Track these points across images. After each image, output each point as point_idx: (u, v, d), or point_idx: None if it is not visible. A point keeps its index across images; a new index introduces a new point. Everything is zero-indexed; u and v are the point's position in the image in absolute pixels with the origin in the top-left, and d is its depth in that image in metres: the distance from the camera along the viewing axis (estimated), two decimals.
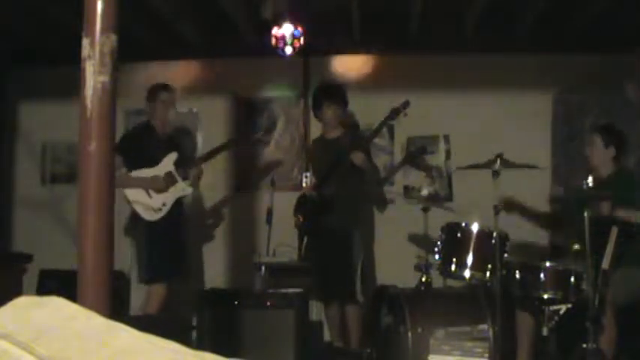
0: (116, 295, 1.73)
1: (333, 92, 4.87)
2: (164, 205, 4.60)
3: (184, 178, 4.74)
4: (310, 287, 4.57)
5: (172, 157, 4.71)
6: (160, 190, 4.61)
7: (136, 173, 4.62)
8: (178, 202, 4.70)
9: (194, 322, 4.21)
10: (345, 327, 4.73)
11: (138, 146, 4.62)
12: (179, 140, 5.08)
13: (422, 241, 4.51)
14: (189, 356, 0.85)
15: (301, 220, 4.84)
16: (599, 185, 3.76)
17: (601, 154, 4.14)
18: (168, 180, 4.65)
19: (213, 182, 5.76)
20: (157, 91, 4.77)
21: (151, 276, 4.54)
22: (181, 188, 4.70)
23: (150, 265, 4.54)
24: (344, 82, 5.15)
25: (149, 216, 4.57)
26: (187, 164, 4.81)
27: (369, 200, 5.33)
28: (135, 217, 4.59)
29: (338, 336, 4.82)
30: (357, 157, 4.64)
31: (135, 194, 4.56)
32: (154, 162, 4.67)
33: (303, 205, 4.88)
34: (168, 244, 4.63)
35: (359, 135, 5.07)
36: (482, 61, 5.54)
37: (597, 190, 3.68)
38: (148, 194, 4.59)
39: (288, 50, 5.38)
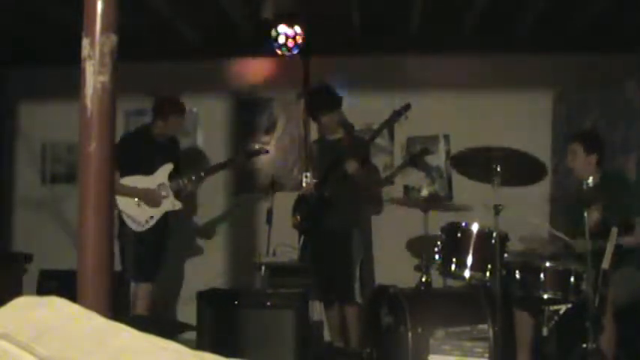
0: (116, 295, 1.72)
1: (326, 99, 4.87)
2: (151, 218, 4.69)
3: (177, 191, 4.75)
4: (310, 287, 4.57)
5: (168, 168, 4.75)
6: (150, 204, 4.67)
7: (128, 180, 4.64)
8: (165, 216, 4.76)
9: (194, 322, 4.22)
10: (344, 327, 4.73)
11: (135, 150, 4.63)
12: (177, 149, 5.04)
13: (422, 241, 4.50)
14: (189, 356, 0.85)
15: (299, 220, 4.84)
16: (588, 193, 3.72)
17: (584, 163, 4.11)
18: (160, 193, 4.70)
19: (214, 183, 5.78)
20: (169, 111, 4.73)
21: (136, 276, 4.68)
22: (171, 203, 4.73)
23: (138, 267, 4.66)
24: (338, 81, 5.16)
25: (135, 227, 4.66)
26: (182, 180, 4.77)
27: (366, 201, 5.33)
28: (121, 221, 4.66)
29: (338, 336, 4.82)
30: (351, 166, 4.64)
31: (124, 203, 4.61)
32: (148, 169, 4.70)
33: (301, 206, 4.89)
34: (151, 252, 4.74)
35: (359, 138, 5.05)
36: (482, 61, 5.54)
37: (587, 198, 3.65)
38: (138, 205, 4.65)
39: (288, 50, 5.38)
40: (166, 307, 5.44)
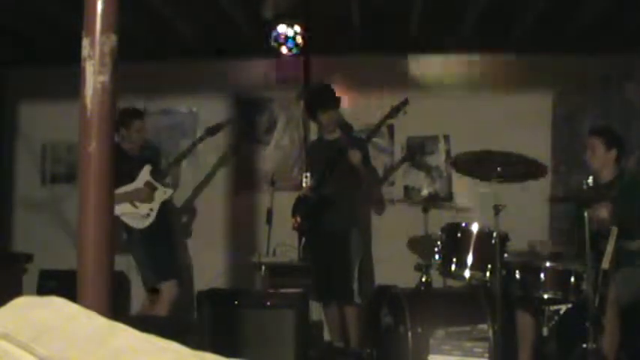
0: (116, 295, 1.72)
1: (325, 97, 4.88)
2: (151, 210, 4.82)
3: (163, 181, 4.98)
4: (310, 287, 4.57)
5: (147, 169, 4.91)
6: (144, 200, 4.80)
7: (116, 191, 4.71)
8: (163, 207, 4.89)
9: (194, 322, 4.22)
10: (344, 327, 4.73)
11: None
12: (150, 153, 5.25)
13: (422, 241, 4.50)
14: (189, 356, 0.85)
15: (299, 221, 4.84)
16: (601, 188, 3.74)
17: (603, 157, 4.10)
18: (149, 188, 4.86)
19: (214, 184, 5.78)
20: (131, 119, 4.89)
21: (159, 276, 4.72)
22: (163, 192, 4.92)
23: (156, 266, 4.73)
24: (338, 81, 5.16)
25: (139, 224, 4.76)
26: (162, 172, 5.05)
27: (367, 201, 5.33)
28: (127, 230, 4.75)
29: (338, 336, 4.82)
30: (354, 156, 4.64)
31: (121, 208, 4.69)
32: (130, 180, 4.83)
33: (300, 206, 4.89)
34: (163, 246, 4.87)
35: (357, 138, 5.05)
36: (482, 61, 5.54)
37: (599, 193, 3.66)
38: (134, 205, 4.77)
39: (288, 50, 5.38)
40: (187, 306, 5.41)
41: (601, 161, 4.10)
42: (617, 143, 4.14)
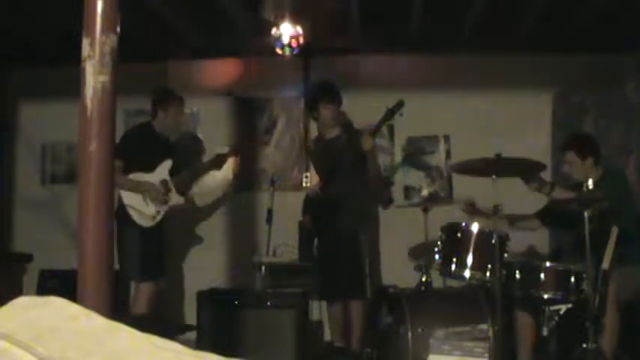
0: (116, 295, 1.72)
1: (328, 92, 4.87)
2: (158, 213, 4.70)
3: (178, 187, 4.80)
4: (310, 287, 4.57)
5: (167, 164, 4.78)
6: (154, 199, 4.67)
7: (132, 177, 4.65)
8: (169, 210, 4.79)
9: (194, 322, 4.22)
10: (347, 324, 4.71)
11: (137, 148, 4.63)
12: (177, 146, 5.10)
13: (422, 241, 4.50)
14: (189, 356, 0.85)
15: (310, 222, 4.84)
16: (589, 194, 3.72)
17: (581, 169, 4.10)
18: (164, 188, 4.73)
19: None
20: (171, 100, 4.84)
21: (142, 275, 4.66)
22: (175, 199, 4.78)
23: (141, 264, 4.64)
24: (338, 81, 5.16)
25: (144, 222, 4.65)
26: (182, 175, 4.87)
27: (372, 198, 5.32)
28: (125, 218, 4.60)
29: (339, 336, 4.81)
30: (367, 142, 4.63)
31: (130, 199, 4.61)
32: (149, 167, 4.72)
33: (310, 207, 4.88)
34: (157, 248, 4.77)
35: (357, 134, 5.05)
36: (482, 61, 5.54)
37: (587, 199, 3.64)
38: (145, 201, 4.65)
39: (288, 50, 5.38)
40: (167, 308, 5.42)
41: (580, 172, 4.08)
42: (590, 150, 4.11)
